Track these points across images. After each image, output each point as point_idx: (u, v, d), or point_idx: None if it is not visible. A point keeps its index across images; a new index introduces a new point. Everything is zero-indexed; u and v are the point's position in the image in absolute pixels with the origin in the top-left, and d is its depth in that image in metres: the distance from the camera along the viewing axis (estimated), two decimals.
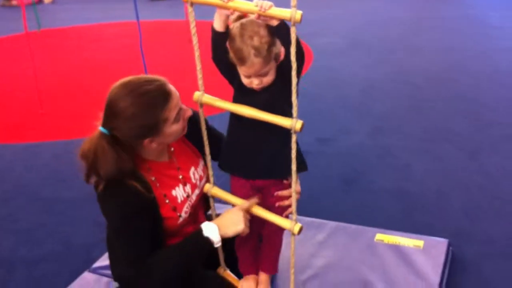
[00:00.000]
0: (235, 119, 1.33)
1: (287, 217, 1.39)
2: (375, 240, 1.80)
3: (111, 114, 1.23)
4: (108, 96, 1.24)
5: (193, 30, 1.22)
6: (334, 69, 3.94)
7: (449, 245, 1.78)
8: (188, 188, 1.41)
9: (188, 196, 1.40)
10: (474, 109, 3.12)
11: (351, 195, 2.29)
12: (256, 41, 1.17)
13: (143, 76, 1.27)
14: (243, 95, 1.29)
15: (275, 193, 1.39)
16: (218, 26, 1.22)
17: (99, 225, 1.93)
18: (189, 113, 1.32)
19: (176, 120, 1.27)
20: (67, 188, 2.43)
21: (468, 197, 2.23)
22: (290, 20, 1.06)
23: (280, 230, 1.42)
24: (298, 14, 1.05)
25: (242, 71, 1.25)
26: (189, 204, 1.41)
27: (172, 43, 4.74)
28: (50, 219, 2.22)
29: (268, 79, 1.25)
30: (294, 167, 1.23)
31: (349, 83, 3.65)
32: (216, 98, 1.31)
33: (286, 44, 1.12)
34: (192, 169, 1.44)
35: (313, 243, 1.79)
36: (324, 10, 5.63)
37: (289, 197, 1.38)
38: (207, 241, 1.30)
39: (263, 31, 1.18)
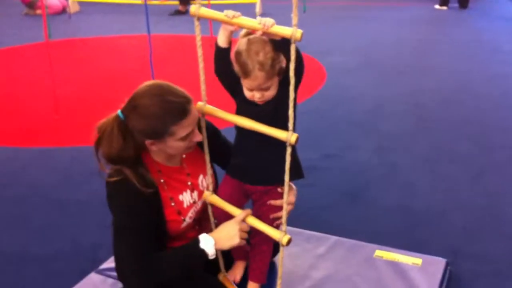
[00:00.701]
0: (238, 127, 1.38)
1: (277, 227, 1.42)
2: (374, 256, 1.82)
3: (131, 104, 1.31)
4: (137, 89, 1.33)
5: (198, 42, 1.29)
6: (344, 87, 3.99)
7: (447, 264, 1.80)
8: (195, 194, 1.48)
9: (194, 202, 1.47)
10: (480, 132, 3.13)
11: (354, 210, 2.32)
12: (261, 57, 1.23)
13: (175, 87, 1.34)
14: (247, 105, 1.35)
15: (268, 202, 1.43)
16: (222, 41, 1.29)
17: (106, 227, 2.01)
18: (198, 138, 1.38)
19: (183, 139, 1.33)
20: (78, 191, 2.51)
21: (469, 217, 2.25)
22: (291, 38, 1.12)
23: (269, 238, 1.44)
24: (298, 32, 1.11)
25: (245, 84, 1.30)
26: (194, 210, 1.47)
27: (187, 56, 4.84)
28: (61, 220, 2.30)
29: (270, 94, 1.31)
30: (287, 178, 1.27)
31: (358, 102, 3.69)
32: (218, 109, 1.37)
33: (289, 58, 1.17)
34: (201, 177, 1.50)
35: (313, 255, 1.83)
36: (337, 29, 5.71)
37: (281, 207, 1.41)
38: (203, 253, 1.36)
39: (268, 48, 1.24)
